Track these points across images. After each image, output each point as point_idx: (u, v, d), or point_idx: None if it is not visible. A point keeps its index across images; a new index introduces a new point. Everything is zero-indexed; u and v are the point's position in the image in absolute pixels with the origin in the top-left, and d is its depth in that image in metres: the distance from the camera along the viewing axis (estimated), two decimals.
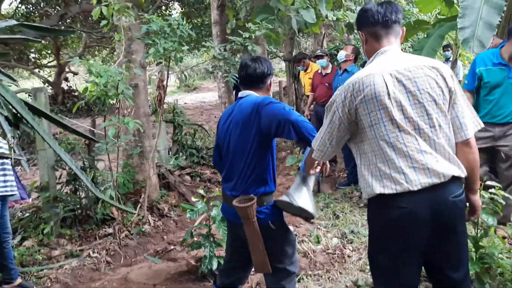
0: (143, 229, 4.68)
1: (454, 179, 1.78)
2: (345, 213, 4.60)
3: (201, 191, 3.38)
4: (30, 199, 4.12)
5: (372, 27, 1.92)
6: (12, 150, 2.55)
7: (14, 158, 2.55)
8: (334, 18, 9.00)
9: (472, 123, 1.89)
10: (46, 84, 17.49)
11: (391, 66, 1.82)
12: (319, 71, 6.47)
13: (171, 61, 4.40)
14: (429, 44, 4.78)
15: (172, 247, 4.07)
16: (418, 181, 1.74)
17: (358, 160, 1.93)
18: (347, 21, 9.17)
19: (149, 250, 4.45)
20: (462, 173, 1.83)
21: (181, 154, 6.60)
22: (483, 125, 1.94)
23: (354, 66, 5.50)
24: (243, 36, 4.32)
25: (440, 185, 1.76)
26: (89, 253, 4.24)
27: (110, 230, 4.62)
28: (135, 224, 4.77)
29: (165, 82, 4.63)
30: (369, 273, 3.29)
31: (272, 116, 2.24)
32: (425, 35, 4.93)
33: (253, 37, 4.43)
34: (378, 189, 1.77)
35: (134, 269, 3.67)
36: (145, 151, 5.33)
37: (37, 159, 4.46)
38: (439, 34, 4.79)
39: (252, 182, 2.34)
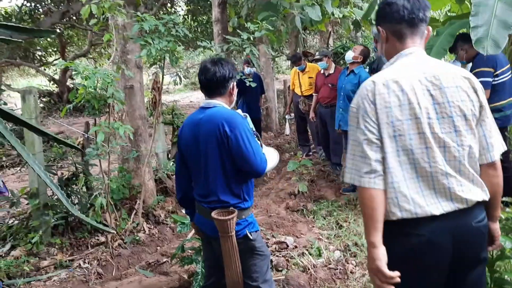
0: (138, 238, 4.48)
1: (478, 203, 1.58)
2: (349, 223, 4.36)
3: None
4: (9, 193, 3.92)
5: (395, 25, 1.68)
6: None
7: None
8: (341, 15, 8.74)
9: (499, 144, 1.66)
10: (52, 82, 17.41)
11: (419, 72, 1.60)
12: (322, 72, 6.22)
13: (166, 61, 4.18)
14: (439, 43, 4.50)
15: (165, 259, 3.86)
16: (439, 206, 1.53)
17: None
18: (354, 18, 8.91)
19: (143, 260, 4.25)
20: (486, 196, 1.61)
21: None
22: (505, 148, 1.69)
23: (361, 68, 5.25)
24: (242, 37, 4.08)
25: (462, 210, 1.55)
26: (79, 264, 4.06)
27: (103, 239, 4.43)
28: (129, 232, 4.57)
29: (159, 84, 4.42)
30: None
31: (236, 144, 2.20)
32: (435, 33, 4.66)
33: (255, 37, 4.19)
34: (395, 213, 1.55)
35: (123, 283, 3.47)
36: (142, 155, 5.13)
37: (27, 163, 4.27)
38: (449, 32, 4.51)
39: (229, 195, 2.28)
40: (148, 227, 4.73)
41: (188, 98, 20.55)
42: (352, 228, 4.19)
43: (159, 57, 4.02)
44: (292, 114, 7.67)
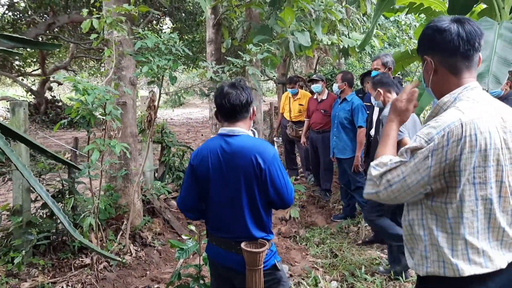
0: (124, 260, 4.29)
1: None
2: (343, 251, 4.30)
3: (193, 228, 3.05)
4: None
5: (449, 56, 1.50)
6: None
7: None
8: (329, 42, 8.88)
9: None
10: (29, 93, 16.97)
11: (495, 114, 1.45)
12: (315, 97, 6.25)
13: (163, 80, 4.11)
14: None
15: (156, 285, 3.70)
16: (504, 258, 1.44)
17: (430, 227, 1.47)
18: (342, 45, 9.07)
19: (129, 284, 4.07)
20: None
21: (167, 176, 6.24)
22: None
23: (353, 94, 5.29)
24: (244, 58, 4.06)
25: None
26: (62, 287, 3.84)
27: (88, 260, 4.22)
28: (115, 254, 4.38)
29: (156, 103, 4.32)
30: None
31: (270, 177, 2.14)
32: None
33: (254, 59, 4.18)
34: (465, 268, 1.40)
35: None
36: (130, 173, 4.98)
37: (12, 178, 4.07)
38: None
39: (257, 229, 2.20)
40: (135, 249, 4.54)
41: (167, 115, 20.38)
42: (347, 257, 4.13)
43: (158, 75, 3.94)
44: (280, 138, 7.65)
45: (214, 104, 2.27)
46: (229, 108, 2.16)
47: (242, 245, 2.12)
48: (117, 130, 3.69)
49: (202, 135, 14.07)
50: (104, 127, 3.63)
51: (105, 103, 3.45)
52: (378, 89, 3.73)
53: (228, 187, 2.17)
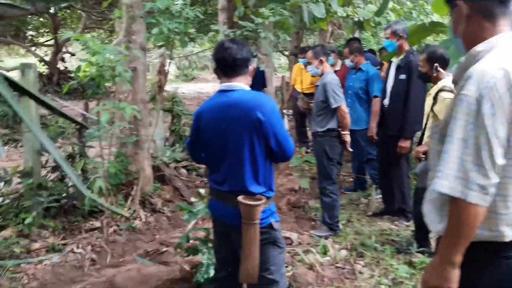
0: (134, 225, 4.32)
1: None
2: (352, 222, 4.27)
3: (201, 191, 3.02)
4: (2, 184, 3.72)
5: (484, 0, 1.39)
6: None
7: None
8: (344, 15, 8.64)
9: None
10: (42, 63, 16.97)
11: None
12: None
13: (174, 44, 4.02)
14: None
15: (164, 248, 3.71)
16: None
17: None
18: (357, 18, 8.83)
19: (138, 248, 4.09)
20: None
21: (177, 145, 6.22)
22: None
23: (368, 63, 5.16)
24: (255, 21, 3.94)
25: None
26: (72, 248, 3.87)
27: (98, 224, 4.25)
28: (125, 219, 4.40)
29: (166, 67, 4.25)
30: None
31: (271, 128, 2.14)
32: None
33: (266, 22, 4.06)
34: (506, 233, 1.33)
35: (121, 271, 3.31)
36: (141, 140, 4.95)
37: (23, 141, 4.07)
38: None
39: (256, 184, 2.20)
40: (145, 215, 4.56)
41: (179, 89, 20.29)
42: (357, 227, 4.09)
43: (169, 38, 3.86)
44: (291, 110, 7.55)
45: (214, 60, 2.26)
46: (229, 62, 2.16)
47: (239, 198, 2.12)
48: (127, 94, 3.64)
49: None
50: (113, 90, 3.58)
51: (115, 64, 3.39)
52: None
53: (228, 141, 2.18)
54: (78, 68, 3.30)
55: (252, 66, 2.27)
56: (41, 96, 2.59)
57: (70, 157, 4.40)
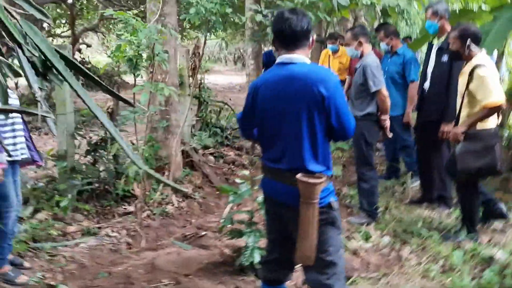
0: (166, 210, 4.27)
1: None
2: (390, 209, 4.15)
3: (246, 173, 2.94)
4: (43, 163, 3.68)
5: None
6: (39, 105, 2.11)
7: (41, 115, 2.11)
8: (369, 2, 8.46)
9: None
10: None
11: None
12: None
13: (211, 26, 3.93)
14: (497, 28, 4.26)
15: (203, 232, 3.64)
16: None
17: None
18: (381, 6, 8.64)
19: (172, 232, 4.05)
20: None
21: (204, 132, 6.15)
22: None
23: (405, 46, 5.00)
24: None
25: None
26: (107, 232, 3.84)
27: (131, 208, 4.21)
28: (158, 204, 4.35)
29: (201, 50, 4.16)
30: (434, 280, 2.86)
31: (333, 104, 2.02)
32: (492, 19, 4.40)
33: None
34: None
35: (160, 254, 3.25)
36: (171, 125, 4.89)
37: (56, 124, 4.03)
38: (509, 17, 4.27)
39: (315, 162, 2.08)
40: (177, 200, 4.51)
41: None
42: (395, 215, 3.98)
43: (205, 18, 3.77)
44: None
45: (272, 31, 2.16)
46: (290, 34, 2.05)
47: (298, 176, 2.01)
48: (164, 74, 3.56)
49: (230, 99, 13.90)
50: (151, 70, 3.51)
51: (154, 43, 3.31)
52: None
53: (286, 116, 2.07)
54: (118, 47, 3.22)
55: (312, 38, 2.17)
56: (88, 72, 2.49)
57: (103, 141, 4.36)
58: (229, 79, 18.34)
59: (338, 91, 2.04)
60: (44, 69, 2.10)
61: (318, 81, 1.99)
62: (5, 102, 2.15)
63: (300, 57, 2.08)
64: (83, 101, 2.17)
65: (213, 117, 6.37)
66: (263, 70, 6.91)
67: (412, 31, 12.13)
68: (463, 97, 3.32)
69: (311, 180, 2.02)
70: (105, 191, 4.38)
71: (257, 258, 2.81)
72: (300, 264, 2.22)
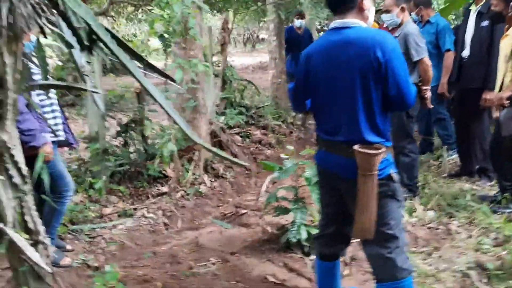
0: (200, 190, 4.21)
1: None
2: (429, 184, 4.04)
3: (291, 148, 2.85)
4: (77, 145, 3.64)
5: None
6: (88, 80, 2.03)
7: (89, 91, 2.03)
8: None
9: None
10: None
11: None
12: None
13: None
14: None
15: (243, 211, 3.57)
16: None
17: None
18: None
19: (207, 212, 4.00)
20: None
21: (229, 112, 6.05)
22: None
23: (437, 15, 4.81)
24: None
25: None
26: (143, 213, 3.80)
27: (164, 189, 4.16)
28: (190, 184, 4.29)
29: (229, 25, 4.03)
30: (488, 253, 2.77)
31: (391, 71, 1.88)
32: None
33: None
34: None
35: (202, 233, 3.21)
36: (199, 105, 4.80)
37: (87, 105, 3.97)
38: None
39: (372, 132, 1.97)
40: (209, 180, 4.45)
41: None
42: (435, 188, 3.87)
43: None
44: None
45: None
46: None
47: (355, 147, 1.91)
48: (197, 49, 3.46)
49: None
50: (184, 46, 3.40)
51: (187, 17, 3.19)
52: None
53: (341, 85, 1.97)
54: (152, 22, 3.12)
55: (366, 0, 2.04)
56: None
57: (133, 122, 4.29)
58: (241, 61, 18.13)
59: (397, 55, 1.91)
60: (89, 42, 2.01)
61: (374, 45, 1.87)
62: (46, 78, 2.08)
63: (355, 20, 1.96)
64: (133, 76, 2.08)
65: (237, 96, 6.26)
66: (285, 47, 6.77)
67: None
68: (507, 61, 3.16)
69: (370, 151, 1.93)
70: (136, 173, 4.33)
71: (304, 235, 2.75)
72: (358, 238, 2.15)
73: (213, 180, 4.50)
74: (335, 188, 2.16)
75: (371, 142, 1.97)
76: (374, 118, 1.97)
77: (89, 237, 3.39)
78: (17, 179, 1.91)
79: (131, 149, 4.44)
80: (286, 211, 2.80)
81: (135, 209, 3.85)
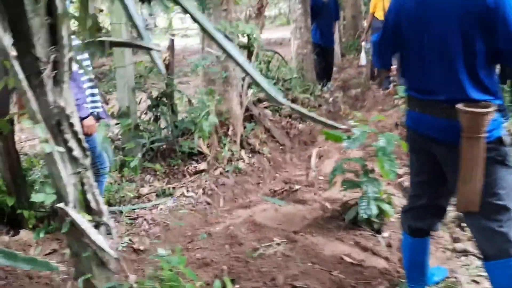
0: (239, 166, 3.95)
1: None
2: None
3: (358, 114, 2.56)
4: (110, 120, 3.38)
5: None
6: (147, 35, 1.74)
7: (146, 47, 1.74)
8: None
9: None
10: None
11: None
12: None
13: None
14: None
15: (296, 186, 3.31)
16: None
17: None
18: None
19: (248, 190, 3.76)
20: None
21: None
22: None
23: None
24: None
25: None
26: (183, 192, 3.55)
27: (201, 166, 3.89)
28: (227, 161, 4.03)
29: None
30: None
31: (501, 19, 1.61)
32: None
33: None
34: None
35: (255, 211, 2.95)
36: (230, 76, 4.49)
37: (116, 78, 3.68)
38: None
39: (478, 89, 1.72)
40: (247, 156, 4.18)
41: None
42: None
43: None
44: (369, 43, 6.90)
45: None
46: None
47: (459, 106, 1.67)
48: (239, 12, 3.14)
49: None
50: (225, 8, 3.08)
51: None
52: None
53: (439, 36, 1.73)
54: None
55: None
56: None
57: (164, 95, 3.99)
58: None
59: (508, 2, 1.62)
60: None
61: None
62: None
63: None
64: (203, 29, 1.77)
65: (263, 68, 5.93)
66: (310, 15, 6.42)
67: None
68: None
69: (478, 110, 1.67)
70: (169, 150, 4.07)
71: (374, 210, 2.49)
72: (461, 211, 1.89)
73: (250, 156, 4.24)
74: (430, 153, 1.90)
75: (477, 100, 1.71)
76: (478, 73, 1.71)
77: (130, 219, 3.15)
78: (77, 152, 1.64)
79: (162, 125, 4.16)
80: (354, 184, 2.54)
81: (173, 188, 3.60)
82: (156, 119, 4.08)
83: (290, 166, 4.39)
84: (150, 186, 3.63)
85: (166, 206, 3.32)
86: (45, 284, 2.34)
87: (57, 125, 1.59)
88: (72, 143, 1.62)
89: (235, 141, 4.23)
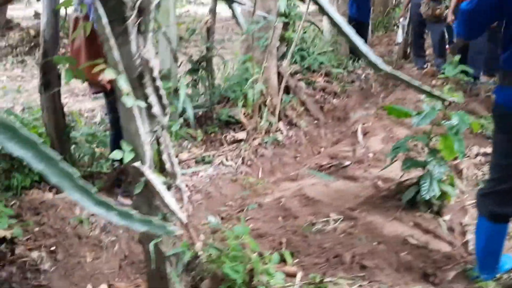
0: (278, 138, 3.83)
1: None
2: None
3: (427, 88, 2.41)
4: None
5: None
6: None
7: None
8: None
9: None
10: None
11: None
12: None
13: None
14: None
15: (346, 162, 3.18)
16: None
17: None
18: None
19: (285, 162, 3.66)
20: None
21: (289, 55, 5.53)
22: None
23: None
24: None
25: None
26: (222, 161, 3.45)
27: (239, 136, 3.77)
28: (265, 132, 3.90)
29: None
30: None
31: None
32: None
33: None
34: None
35: (303, 185, 2.84)
36: (269, 43, 4.31)
37: (157, 40, 3.52)
38: None
39: None
40: (286, 128, 4.05)
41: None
42: None
43: None
44: (407, 20, 6.64)
45: None
46: None
47: None
48: None
49: None
50: None
51: None
52: None
53: None
54: None
55: None
56: None
57: (204, 59, 3.84)
58: None
59: None
60: None
61: None
62: None
63: None
64: None
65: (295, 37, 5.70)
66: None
67: None
68: None
69: None
70: (206, 117, 3.94)
71: (437, 191, 2.37)
72: None
73: (288, 128, 4.10)
74: None
75: None
76: None
77: None
78: (156, 109, 1.52)
79: (202, 90, 4.03)
80: (418, 163, 2.41)
81: (212, 156, 3.49)
82: (195, 84, 3.94)
83: (324, 141, 4.27)
84: (188, 152, 3.52)
85: (207, 174, 3.23)
86: (93, 245, 2.28)
87: (139, 78, 1.46)
88: (153, 99, 1.50)
89: (272, 112, 4.09)
